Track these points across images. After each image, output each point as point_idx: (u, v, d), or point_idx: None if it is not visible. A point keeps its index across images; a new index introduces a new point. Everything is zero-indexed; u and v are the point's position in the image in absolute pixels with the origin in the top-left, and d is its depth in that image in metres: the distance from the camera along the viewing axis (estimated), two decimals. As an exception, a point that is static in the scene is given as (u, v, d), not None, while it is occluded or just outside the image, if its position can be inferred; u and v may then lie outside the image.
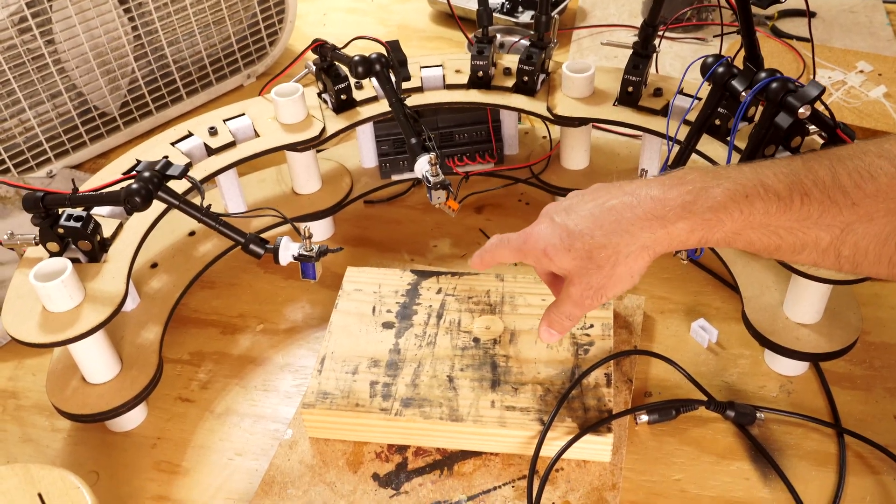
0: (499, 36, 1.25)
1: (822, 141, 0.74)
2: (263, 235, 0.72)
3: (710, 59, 0.73)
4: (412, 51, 0.91)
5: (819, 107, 0.70)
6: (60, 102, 1.05)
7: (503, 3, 1.33)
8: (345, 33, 0.90)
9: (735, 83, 0.71)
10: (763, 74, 0.68)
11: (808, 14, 0.98)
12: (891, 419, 0.72)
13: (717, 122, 0.81)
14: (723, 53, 0.80)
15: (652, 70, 0.91)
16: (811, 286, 0.71)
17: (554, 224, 0.61)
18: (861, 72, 1.11)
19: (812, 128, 0.75)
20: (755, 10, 0.78)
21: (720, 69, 0.72)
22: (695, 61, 0.75)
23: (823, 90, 0.65)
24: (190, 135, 0.86)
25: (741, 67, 0.75)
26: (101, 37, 1.05)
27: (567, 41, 1.29)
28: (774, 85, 0.67)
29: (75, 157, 1.09)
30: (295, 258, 0.70)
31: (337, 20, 1.41)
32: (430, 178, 0.77)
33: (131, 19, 1.08)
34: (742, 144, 0.76)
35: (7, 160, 1.03)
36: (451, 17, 1.37)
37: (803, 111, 0.66)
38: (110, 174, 0.81)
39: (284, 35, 1.25)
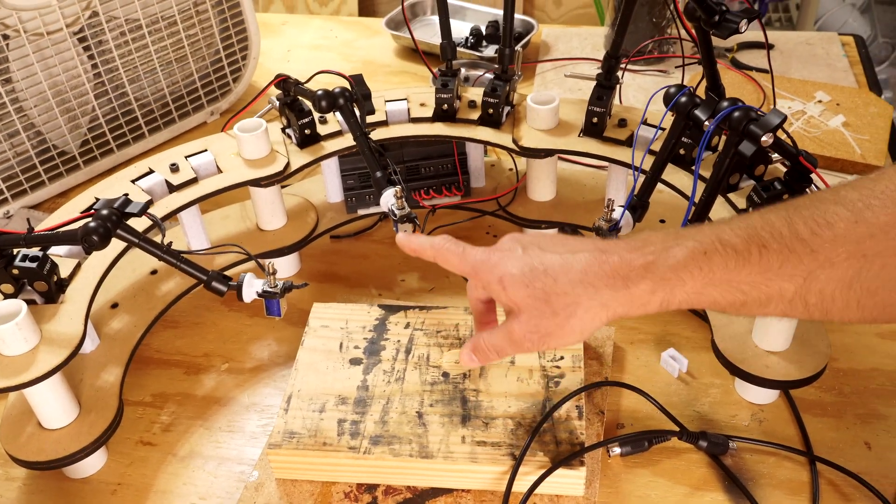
0: (463, 70, 1.26)
1: (784, 169, 0.75)
2: (229, 273, 0.71)
3: (672, 89, 0.73)
4: (377, 85, 0.91)
5: (781, 135, 0.71)
6: (18, 142, 1.03)
7: (467, 38, 1.34)
8: (309, 69, 0.90)
9: (698, 112, 0.71)
10: (725, 103, 0.69)
11: (767, 46, 1.00)
12: (862, 446, 0.72)
13: (682, 151, 0.82)
14: (685, 84, 0.81)
15: (616, 101, 0.91)
16: (779, 313, 0.71)
17: (518, 257, 0.59)
18: (820, 102, 1.13)
19: (775, 156, 0.76)
20: (715, 41, 0.80)
21: (683, 99, 0.72)
22: (657, 91, 0.75)
23: (785, 118, 0.66)
24: (151, 172, 0.85)
25: (703, 97, 0.76)
26: (60, 75, 1.03)
27: (531, 74, 1.30)
28: (737, 114, 0.68)
29: (33, 197, 1.07)
30: (259, 295, 0.69)
31: (301, 56, 1.41)
32: (396, 212, 0.76)
33: (91, 57, 1.06)
34: (707, 173, 0.76)
35: (-38, 201, 1.01)
36: (415, 52, 1.38)
37: (766, 139, 0.66)
38: (68, 213, 0.79)
39: (248, 72, 1.24)
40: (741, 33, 0.70)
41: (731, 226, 0.56)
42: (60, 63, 1.03)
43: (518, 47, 1.29)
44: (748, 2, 1.26)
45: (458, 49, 1.29)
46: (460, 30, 1.37)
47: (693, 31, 0.77)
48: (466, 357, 0.64)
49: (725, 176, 0.71)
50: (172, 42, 1.13)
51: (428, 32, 1.41)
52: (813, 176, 0.73)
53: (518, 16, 1.31)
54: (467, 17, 1.43)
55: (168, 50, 1.13)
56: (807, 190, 0.73)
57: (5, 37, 0.97)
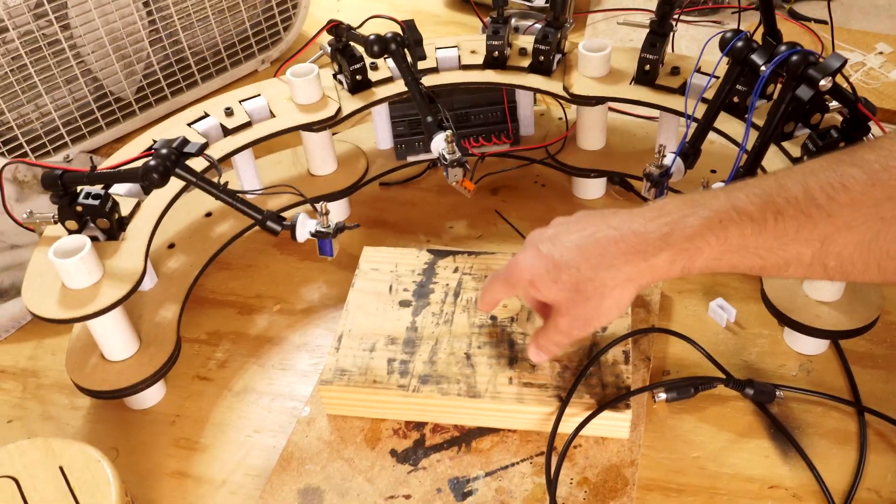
0: (514, 19, 1.24)
1: (840, 118, 0.74)
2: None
3: (728, 34, 0.72)
4: (427, 35, 0.91)
5: (841, 82, 0.70)
6: (76, 88, 1.06)
7: (518, -12, 1.33)
8: (358, 18, 0.90)
9: (754, 57, 0.70)
10: (783, 48, 0.68)
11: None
12: (912, 398, 0.72)
13: (736, 99, 0.80)
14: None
15: (668, 50, 0.90)
16: (831, 263, 0.70)
17: (540, 254, 0.62)
18: (881, 53, 1.10)
19: (832, 104, 0.75)
20: (774, -13, 0.78)
21: (739, 43, 0.71)
22: (713, 37, 0.74)
23: (845, 62, 0.65)
24: (206, 115, 0.86)
25: (760, 43, 0.74)
26: (116, 22, 1.05)
27: (582, 25, 1.29)
28: (795, 57, 0.66)
29: (92, 142, 1.09)
30: (312, 235, 0.70)
31: (350, 5, 1.41)
32: (447, 156, 0.77)
33: (146, 4, 1.08)
34: (761, 121, 0.75)
35: (24, 145, 1.03)
36: (465, 2, 1.36)
37: (825, 83, 0.65)
38: (127, 154, 0.81)
39: (298, 20, 1.25)
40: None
41: (745, 192, 0.56)
42: (117, 10, 1.05)
43: (569, -4, 1.27)
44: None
45: (509, -1, 1.27)
46: (511, -21, 1.35)
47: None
48: (535, 355, 0.68)
49: (780, 123, 0.70)
50: (225, -11, 1.14)
51: (478, -18, 1.40)
52: (871, 124, 0.71)
53: (570, -35, 1.29)
54: (518, -33, 1.41)
55: (220, -3, 1.14)
56: (864, 139, 0.72)
57: (64, -17, 0.99)
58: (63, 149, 1.07)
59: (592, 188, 0.95)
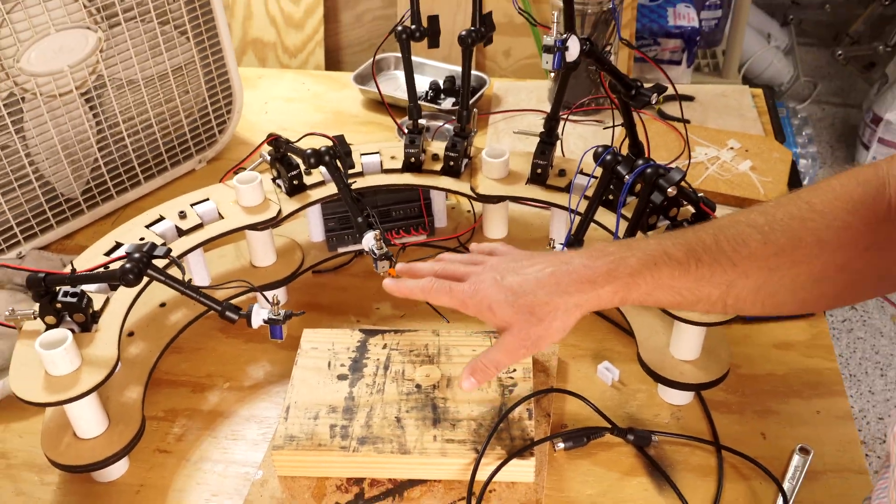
0: (425, 121, 1.41)
1: (693, 211, 0.92)
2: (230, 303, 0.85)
3: (599, 149, 0.90)
4: (347, 134, 1.02)
5: (688, 184, 0.88)
6: (30, 191, 1.15)
7: (427, 91, 1.50)
8: (284, 119, 1.04)
9: (620, 168, 0.88)
10: (640, 162, 0.86)
11: (679, 99, 1.18)
12: (758, 436, 0.89)
13: (610, 196, 0.98)
14: (615, 138, 0.97)
15: (557, 153, 1.08)
16: (690, 329, 0.87)
17: (499, 284, 0.73)
18: (731, 148, 1.31)
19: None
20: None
21: (608, 157, 0.89)
22: (588, 151, 0.92)
23: (684, 175, 0.83)
24: (162, 218, 0.98)
25: (626, 154, 0.93)
26: (69, 131, 1.16)
27: (485, 124, 1.46)
28: (649, 171, 0.85)
29: (43, 239, 1.18)
30: (265, 321, 0.83)
31: (277, 108, 1.54)
32: (376, 251, 0.91)
33: (95, 115, 1.19)
34: (629, 214, 0.93)
35: (-20, 243, 1.12)
36: (380, 104, 1.52)
37: (671, 190, 0.83)
38: (93, 254, 0.92)
39: (232, 123, 1.38)
40: (653, 105, 0.87)
41: (672, 241, 0.71)
42: (70, 121, 1.16)
43: (473, 107, 1.44)
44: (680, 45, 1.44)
45: (419, 103, 1.44)
46: (420, 83, 1.51)
47: (616, 101, 0.94)
48: (467, 382, 0.75)
49: (643, 218, 0.88)
50: (166, 99, 1.26)
51: (391, 86, 1.57)
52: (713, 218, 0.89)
53: (472, 72, 1.47)
54: (426, 72, 1.58)
55: (162, 106, 1.27)
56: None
57: (23, 99, 1.10)
58: (16, 246, 1.16)
59: (498, 270, 1.11)
